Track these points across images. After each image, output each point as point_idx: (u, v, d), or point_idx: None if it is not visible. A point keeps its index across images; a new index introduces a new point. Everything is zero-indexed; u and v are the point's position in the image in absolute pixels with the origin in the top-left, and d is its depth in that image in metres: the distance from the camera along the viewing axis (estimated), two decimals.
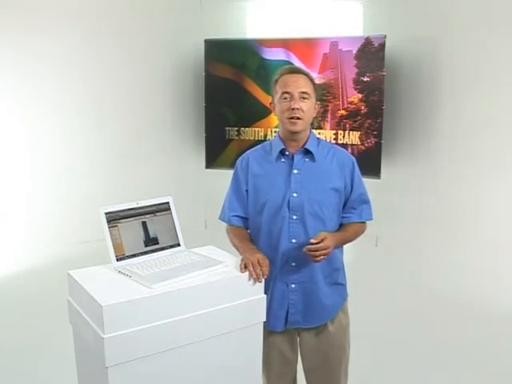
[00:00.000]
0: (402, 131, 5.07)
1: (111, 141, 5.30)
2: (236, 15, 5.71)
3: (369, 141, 4.97)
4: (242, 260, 1.78)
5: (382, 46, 4.79)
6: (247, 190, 1.97)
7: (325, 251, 1.74)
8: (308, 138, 1.93)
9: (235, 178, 2.02)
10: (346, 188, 1.92)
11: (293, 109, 1.83)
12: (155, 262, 1.74)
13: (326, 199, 1.88)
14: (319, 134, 4.96)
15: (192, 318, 1.60)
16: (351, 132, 5.01)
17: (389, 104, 4.92)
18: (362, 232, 2.00)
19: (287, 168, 1.91)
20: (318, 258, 1.75)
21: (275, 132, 5.24)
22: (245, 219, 2.01)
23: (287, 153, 1.92)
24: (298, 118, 1.84)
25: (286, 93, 1.85)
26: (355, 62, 4.93)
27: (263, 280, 1.74)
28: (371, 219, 2.00)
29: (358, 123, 5.00)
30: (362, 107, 4.96)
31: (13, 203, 4.88)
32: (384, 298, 3.96)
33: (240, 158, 2.03)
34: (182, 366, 1.62)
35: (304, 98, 1.85)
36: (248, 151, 2.04)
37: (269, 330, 1.94)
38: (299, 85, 1.85)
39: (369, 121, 4.95)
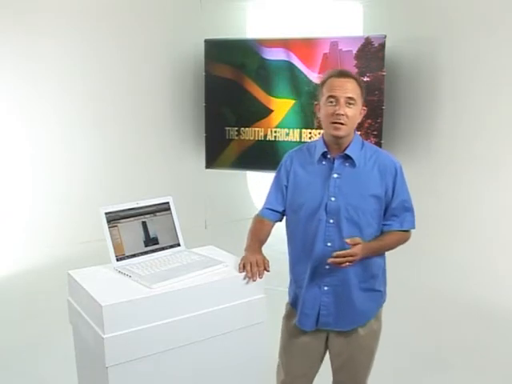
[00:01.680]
0: (401, 131, 5.07)
1: (111, 141, 5.30)
2: (236, 15, 5.71)
3: (369, 141, 4.96)
4: (242, 260, 1.78)
5: (382, 46, 4.79)
6: (286, 186, 1.97)
7: (351, 258, 1.73)
8: (350, 143, 1.89)
9: (278, 173, 2.02)
10: (386, 194, 1.88)
11: (337, 114, 1.80)
12: (155, 261, 1.75)
13: (364, 205, 1.85)
14: (319, 134, 4.96)
15: (192, 318, 1.60)
16: None
17: (389, 104, 4.92)
18: (405, 241, 1.96)
19: (327, 171, 1.89)
20: (343, 265, 1.74)
21: (275, 132, 5.24)
22: (276, 213, 2.00)
23: (329, 156, 1.90)
24: (342, 124, 1.81)
25: (332, 97, 1.81)
26: (355, 61, 4.93)
27: (262, 280, 1.75)
28: (413, 228, 1.94)
29: (357, 123, 5.00)
30: None
31: (13, 203, 4.88)
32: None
33: (287, 154, 2.03)
34: (182, 366, 1.62)
35: (350, 104, 1.81)
36: (294, 149, 2.04)
37: (298, 329, 1.95)
38: (346, 90, 1.81)
39: (369, 121, 4.94)
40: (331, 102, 1.82)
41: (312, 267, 1.89)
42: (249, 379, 1.80)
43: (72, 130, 5.10)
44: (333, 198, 1.85)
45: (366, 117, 4.94)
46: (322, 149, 1.91)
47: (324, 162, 1.91)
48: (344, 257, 1.73)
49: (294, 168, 1.96)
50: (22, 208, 4.93)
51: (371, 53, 4.86)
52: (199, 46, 5.34)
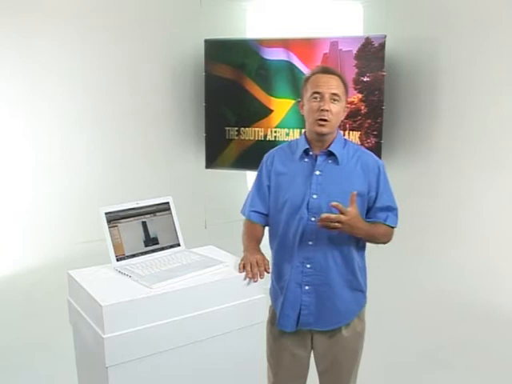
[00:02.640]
0: (402, 131, 5.07)
1: (111, 141, 5.30)
2: (236, 15, 5.71)
3: (369, 141, 4.97)
4: (242, 260, 1.78)
5: (382, 46, 4.79)
6: (269, 187, 1.95)
7: (338, 222, 1.69)
8: (333, 140, 1.88)
9: (259, 174, 2.00)
10: (369, 193, 1.86)
11: (322, 110, 1.79)
12: (155, 261, 1.74)
13: (346, 203, 1.80)
14: None
15: (192, 318, 1.60)
16: (351, 132, 5.01)
17: (389, 104, 4.92)
18: (388, 238, 1.93)
19: (309, 168, 1.87)
20: (330, 226, 1.70)
21: (275, 132, 5.25)
22: (264, 216, 1.98)
23: (311, 153, 1.89)
24: (326, 120, 1.80)
25: (317, 93, 1.81)
26: (355, 61, 4.94)
27: (262, 280, 1.74)
28: (395, 226, 1.93)
29: (357, 123, 5.00)
30: (362, 107, 4.96)
31: (13, 203, 4.88)
32: (384, 297, 3.96)
33: (267, 154, 2.02)
34: (182, 366, 1.62)
35: (334, 100, 1.81)
36: (275, 148, 2.02)
37: (279, 330, 1.93)
38: (331, 86, 1.81)
39: (369, 121, 4.95)
40: (316, 97, 1.81)
41: (294, 266, 1.88)
42: (249, 379, 1.79)
43: (72, 130, 5.10)
44: (315, 196, 1.84)
45: (366, 117, 4.95)
46: (303, 146, 1.90)
47: (306, 159, 1.89)
48: (331, 221, 1.69)
49: (274, 167, 1.94)
50: (22, 208, 4.93)
51: (371, 53, 4.87)
52: (199, 45, 5.34)
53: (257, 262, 1.74)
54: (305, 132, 1.94)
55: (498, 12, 4.17)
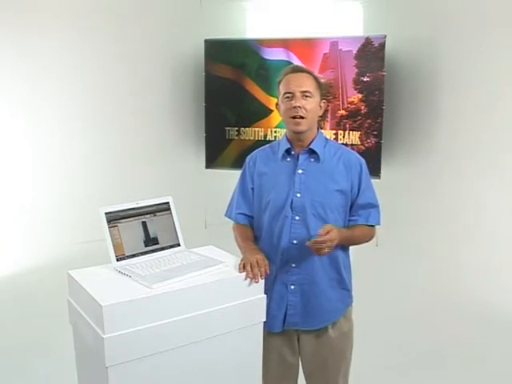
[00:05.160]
0: (401, 131, 5.07)
1: (111, 141, 5.30)
2: (236, 15, 5.71)
3: (369, 141, 4.97)
4: (242, 260, 1.78)
5: (382, 46, 4.79)
6: (253, 189, 1.97)
7: (330, 243, 1.71)
8: (314, 138, 1.90)
9: (242, 176, 2.02)
10: (352, 190, 1.88)
11: (294, 107, 1.82)
12: (155, 261, 1.74)
13: (329, 201, 1.85)
14: None
15: (192, 318, 1.60)
16: (351, 132, 5.01)
17: (389, 104, 4.92)
18: (371, 237, 1.95)
19: (292, 167, 1.89)
20: (322, 251, 1.71)
21: (275, 132, 5.25)
22: (250, 217, 2.00)
23: (293, 152, 1.91)
24: (301, 117, 1.82)
25: (288, 92, 1.84)
26: (355, 61, 4.93)
27: (262, 280, 1.74)
28: (378, 224, 1.94)
29: (357, 123, 5.00)
30: (362, 107, 4.96)
31: (13, 203, 4.88)
32: (384, 298, 3.96)
33: (249, 156, 2.03)
34: (182, 366, 1.62)
35: (306, 97, 1.83)
36: (257, 150, 2.04)
37: (267, 331, 1.93)
38: (301, 84, 1.83)
39: (369, 121, 4.95)
40: (287, 97, 1.84)
41: (278, 266, 1.88)
42: (249, 379, 1.80)
43: (72, 129, 5.10)
44: (298, 195, 1.85)
45: (366, 117, 4.95)
46: (285, 145, 1.92)
47: (288, 159, 1.91)
48: (322, 242, 1.70)
49: (257, 169, 1.96)
50: (22, 208, 4.93)
51: (371, 53, 4.87)
52: (199, 45, 5.34)
53: (257, 262, 1.74)
54: (286, 133, 1.96)
55: (498, 12, 4.17)
